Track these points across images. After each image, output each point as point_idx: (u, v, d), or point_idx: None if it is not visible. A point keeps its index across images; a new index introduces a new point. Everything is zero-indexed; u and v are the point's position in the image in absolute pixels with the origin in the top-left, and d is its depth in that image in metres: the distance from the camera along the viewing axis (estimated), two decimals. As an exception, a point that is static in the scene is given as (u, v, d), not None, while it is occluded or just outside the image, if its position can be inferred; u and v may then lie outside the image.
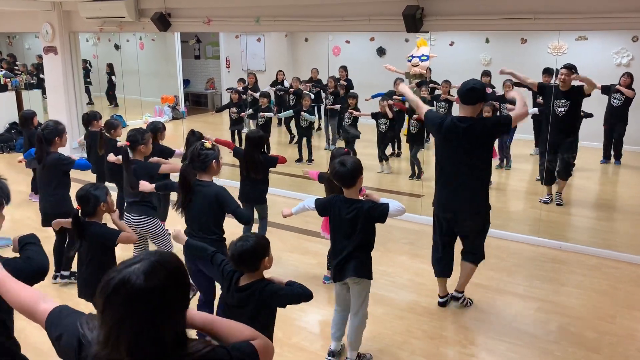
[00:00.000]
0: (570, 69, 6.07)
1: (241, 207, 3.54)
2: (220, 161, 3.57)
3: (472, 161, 3.87)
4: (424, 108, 4.18)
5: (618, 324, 4.09)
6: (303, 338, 3.88)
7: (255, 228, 5.06)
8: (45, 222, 4.49)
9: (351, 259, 3.32)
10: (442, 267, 4.25)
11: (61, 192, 4.52)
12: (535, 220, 6.07)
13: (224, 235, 3.56)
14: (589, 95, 6.12)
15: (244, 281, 2.63)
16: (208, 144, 3.48)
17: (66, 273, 4.72)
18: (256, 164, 4.73)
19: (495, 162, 7.18)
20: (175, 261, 1.37)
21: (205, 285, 3.61)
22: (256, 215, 5.04)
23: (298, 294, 2.63)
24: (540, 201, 6.59)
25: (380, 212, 3.26)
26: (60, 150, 4.63)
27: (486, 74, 8.56)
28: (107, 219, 3.48)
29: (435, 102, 8.03)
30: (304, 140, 8.61)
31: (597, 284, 4.75)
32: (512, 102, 7.43)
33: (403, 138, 8.72)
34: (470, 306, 4.32)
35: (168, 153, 5.12)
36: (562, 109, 6.14)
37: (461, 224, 4.07)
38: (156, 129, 5.09)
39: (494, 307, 4.34)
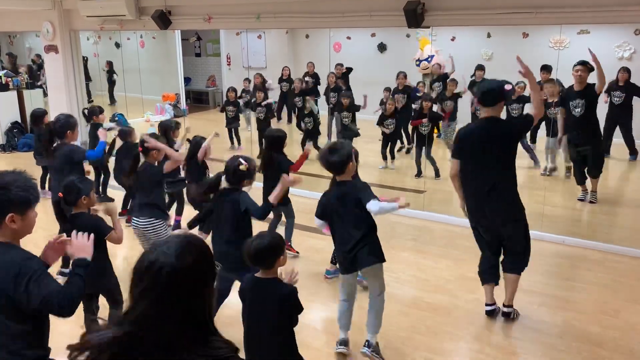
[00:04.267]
0: (586, 64, 5.87)
1: (256, 205, 3.56)
2: (254, 177, 3.69)
3: (499, 161, 3.76)
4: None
5: (622, 319, 4.08)
6: (307, 335, 3.88)
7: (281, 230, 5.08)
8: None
9: (362, 246, 3.31)
10: (486, 274, 4.09)
11: None
12: (539, 215, 6.06)
13: None
14: (598, 94, 5.92)
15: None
16: (244, 167, 3.53)
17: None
18: (273, 163, 4.75)
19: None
20: (202, 242, 1.47)
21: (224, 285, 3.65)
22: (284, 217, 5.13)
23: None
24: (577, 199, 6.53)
25: (365, 198, 3.28)
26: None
27: (480, 67, 8.51)
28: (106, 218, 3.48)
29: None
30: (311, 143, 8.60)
31: (601, 278, 4.74)
32: (520, 101, 7.42)
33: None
34: (518, 318, 4.09)
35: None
36: (579, 110, 5.97)
37: (499, 229, 3.90)
38: (168, 128, 5.14)
39: (498, 302, 4.34)
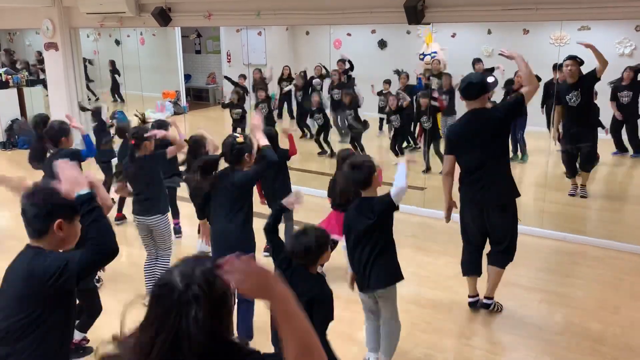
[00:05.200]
0: (575, 59, 5.94)
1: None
2: (254, 152, 3.60)
3: (491, 150, 3.81)
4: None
5: (622, 315, 4.08)
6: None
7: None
8: None
9: (373, 267, 3.21)
10: (469, 266, 4.14)
11: None
12: (539, 212, 6.06)
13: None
14: (599, 79, 5.84)
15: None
16: (240, 139, 3.51)
17: None
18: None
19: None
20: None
21: None
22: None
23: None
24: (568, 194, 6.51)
25: (384, 202, 3.14)
26: None
27: (478, 61, 8.51)
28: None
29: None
30: (321, 136, 8.63)
31: (602, 275, 4.74)
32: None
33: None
34: (501, 312, 4.16)
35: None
36: (575, 100, 5.99)
37: (488, 216, 3.93)
38: (164, 126, 5.15)
39: (499, 298, 4.33)
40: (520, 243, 5.36)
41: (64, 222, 2.03)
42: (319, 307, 2.55)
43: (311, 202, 4.68)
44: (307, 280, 2.64)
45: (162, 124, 5.43)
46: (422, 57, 8.80)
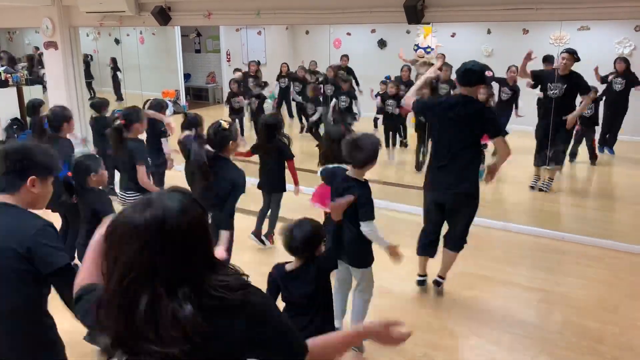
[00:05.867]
0: (573, 54, 6.07)
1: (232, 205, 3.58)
2: (238, 140, 3.68)
3: (464, 138, 3.88)
4: (413, 99, 4.15)
5: (621, 314, 4.09)
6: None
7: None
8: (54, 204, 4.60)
9: (351, 247, 3.28)
10: (424, 247, 4.33)
11: None
12: (538, 212, 6.08)
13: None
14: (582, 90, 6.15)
15: (292, 267, 2.66)
16: (225, 125, 3.55)
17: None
18: (268, 147, 4.89)
19: (491, 150, 7.12)
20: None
21: None
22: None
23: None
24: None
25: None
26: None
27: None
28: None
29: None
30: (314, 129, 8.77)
31: (600, 274, 4.75)
32: (512, 88, 7.47)
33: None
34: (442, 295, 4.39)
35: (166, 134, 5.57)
36: (557, 92, 6.16)
37: (451, 203, 4.06)
38: (160, 107, 5.27)
39: (498, 298, 4.35)
40: (519, 242, 5.42)
41: (37, 179, 2.07)
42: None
43: (296, 200, 4.67)
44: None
45: (159, 104, 5.52)
46: (416, 48, 8.83)
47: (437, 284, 4.39)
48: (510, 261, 5.01)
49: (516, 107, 7.56)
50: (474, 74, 3.82)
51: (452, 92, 7.70)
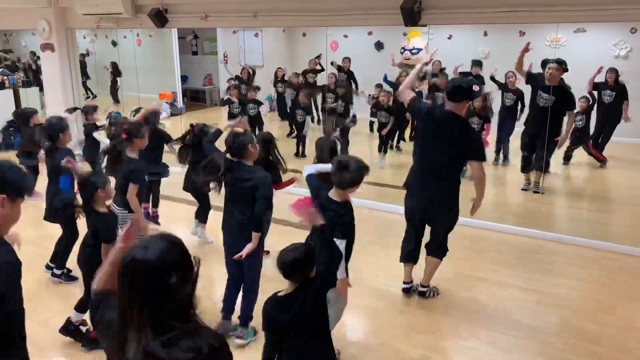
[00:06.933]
0: (561, 64, 6.07)
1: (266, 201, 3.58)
2: (257, 146, 3.66)
3: (446, 154, 3.92)
4: (411, 94, 4.19)
5: (618, 316, 4.10)
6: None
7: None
8: (51, 215, 4.58)
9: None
10: (407, 254, 4.37)
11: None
12: (534, 213, 6.08)
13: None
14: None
15: (285, 292, 2.59)
16: (240, 129, 3.57)
17: (58, 272, 4.69)
18: (268, 164, 4.81)
19: (490, 156, 7.15)
20: (181, 242, 1.58)
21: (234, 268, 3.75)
22: None
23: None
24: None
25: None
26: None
27: (477, 63, 8.57)
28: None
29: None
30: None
31: (597, 276, 4.76)
32: (515, 92, 7.48)
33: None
34: (438, 296, 4.39)
35: (167, 139, 5.49)
36: (543, 102, 6.19)
37: (431, 212, 4.12)
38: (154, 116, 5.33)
39: (495, 299, 4.35)
40: (515, 244, 5.42)
41: (7, 199, 1.93)
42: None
43: (287, 199, 4.65)
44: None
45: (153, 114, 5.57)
46: (402, 50, 8.83)
47: (422, 294, 4.38)
48: (506, 263, 5.02)
49: (521, 111, 7.54)
50: (461, 89, 3.88)
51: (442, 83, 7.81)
